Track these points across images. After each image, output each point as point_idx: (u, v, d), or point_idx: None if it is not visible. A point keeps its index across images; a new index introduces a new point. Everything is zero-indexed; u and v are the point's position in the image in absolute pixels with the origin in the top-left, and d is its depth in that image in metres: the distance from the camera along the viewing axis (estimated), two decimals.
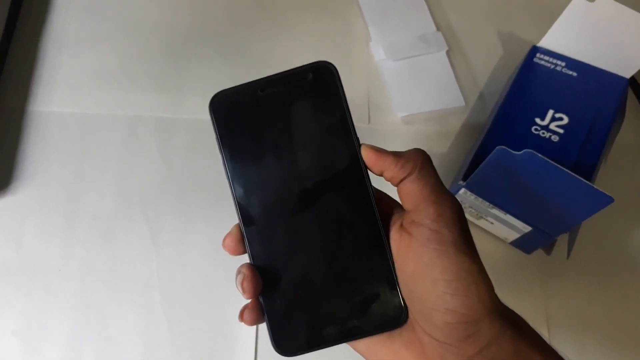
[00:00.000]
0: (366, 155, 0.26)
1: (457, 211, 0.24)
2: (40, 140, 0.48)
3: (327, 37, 0.56)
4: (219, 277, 0.44)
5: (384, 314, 0.26)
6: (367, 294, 0.26)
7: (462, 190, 0.43)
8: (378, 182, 0.27)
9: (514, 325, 0.24)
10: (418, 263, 0.24)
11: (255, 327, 0.42)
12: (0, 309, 0.42)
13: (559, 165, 0.36)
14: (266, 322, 0.26)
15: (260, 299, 0.26)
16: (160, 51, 0.53)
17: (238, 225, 0.27)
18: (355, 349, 0.27)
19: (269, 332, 0.26)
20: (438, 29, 0.57)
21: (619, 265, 0.47)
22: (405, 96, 0.52)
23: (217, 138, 0.26)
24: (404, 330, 0.26)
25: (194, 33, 0.55)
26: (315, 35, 0.56)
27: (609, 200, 0.36)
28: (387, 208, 0.27)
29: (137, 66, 0.52)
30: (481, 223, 0.46)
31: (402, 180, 0.25)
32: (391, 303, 0.26)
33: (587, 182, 0.36)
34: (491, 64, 0.56)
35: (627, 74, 0.47)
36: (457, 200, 0.25)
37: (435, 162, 0.26)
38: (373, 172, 0.26)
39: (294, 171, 0.26)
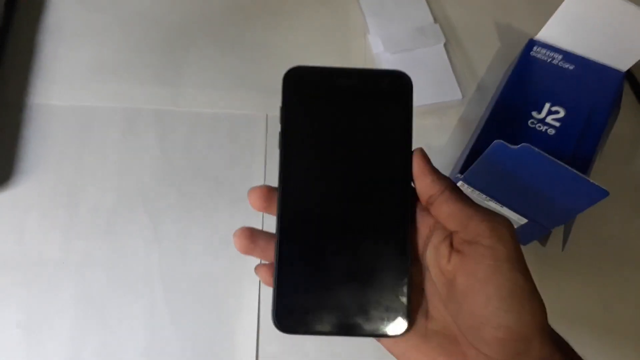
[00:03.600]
0: (417, 155, 0.26)
1: (509, 227, 0.24)
2: (40, 134, 0.48)
3: (324, 28, 0.56)
4: (221, 268, 0.45)
5: (387, 320, 0.26)
6: (377, 296, 0.26)
7: (460, 183, 0.44)
8: None
9: (562, 349, 0.24)
10: (470, 279, 0.24)
11: (256, 319, 0.43)
12: (4, 302, 0.42)
13: (555, 160, 0.37)
14: (273, 293, 0.26)
15: (275, 268, 0.26)
16: (158, 42, 0.53)
17: (266, 186, 0.27)
18: (390, 351, 0.27)
19: (272, 304, 0.26)
20: (435, 20, 0.57)
21: (614, 257, 0.48)
22: None
23: (281, 107, 0.27)
24: (445, 342, 0.26)
25: (192, 24, 0.54)
26: (312, 26, 0.56)
27: (605, 193, 0.36)
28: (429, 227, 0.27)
29: (135, 58, 0.52)
30: None
31: (430, 199, 0.26)
32: (397, 311, 0.26)
33: (584, 175, 0.36)
34: (489, 57, 0.56)
35: (624, 67, 0.48)
36: (507, 218, 0.25)
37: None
38: (413, 174, 0.27)
39: (345, 158, 0.27)
